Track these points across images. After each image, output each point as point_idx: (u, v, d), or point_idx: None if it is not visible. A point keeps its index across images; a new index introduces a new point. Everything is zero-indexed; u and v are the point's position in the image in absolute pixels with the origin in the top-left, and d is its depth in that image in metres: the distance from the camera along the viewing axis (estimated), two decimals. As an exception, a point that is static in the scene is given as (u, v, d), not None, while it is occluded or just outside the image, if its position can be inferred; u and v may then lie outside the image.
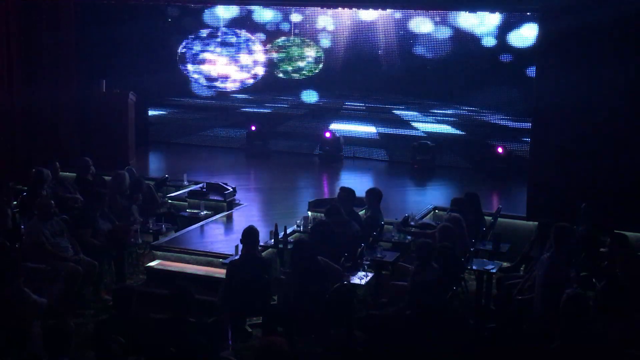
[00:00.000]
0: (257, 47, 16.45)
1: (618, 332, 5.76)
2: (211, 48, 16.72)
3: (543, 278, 6.92)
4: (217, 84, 16.92)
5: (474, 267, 8.40)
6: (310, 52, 16.14)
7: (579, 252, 8.00)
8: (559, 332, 5.55)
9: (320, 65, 16.10)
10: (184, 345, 5.80)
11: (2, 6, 13.16)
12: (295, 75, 16.38)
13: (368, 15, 15.13)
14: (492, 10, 13.40)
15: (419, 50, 15.26)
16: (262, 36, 16.37)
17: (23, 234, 9.03)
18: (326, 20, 15.75)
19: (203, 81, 16.96)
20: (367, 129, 15.99)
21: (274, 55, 16.42)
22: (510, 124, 14.98)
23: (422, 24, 15.11)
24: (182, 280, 8.57)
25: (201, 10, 16.41)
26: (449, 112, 15.59)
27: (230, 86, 16.87)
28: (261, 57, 16.47)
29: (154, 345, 5.84)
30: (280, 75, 16.48)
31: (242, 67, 16.68)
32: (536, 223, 8.99)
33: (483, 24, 14.61)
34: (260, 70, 16.57)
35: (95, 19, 14.88)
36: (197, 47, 16.79)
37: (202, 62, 16.71)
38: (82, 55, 14.26)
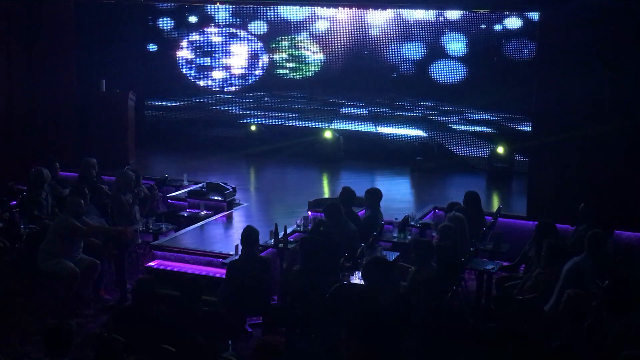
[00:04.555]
0: (258, 46, 16.43)
1: (622, 330, 5.74)
2: (211, 47, 16.70)
3: (564, 279, 6.97)
4: (217, 83, 16.90)
5: (474, 267, 8.40)
6: (311, 51, 16.13)
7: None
8: (561, 331, 5.55)
9: (321, 65, 16.09)
10: (185, 345, 5.78)
11: (2, 6, 13.15)
12: (296, 75, 16.37)
13: (369, 14, 15.14)
14: (493, 9, 13.37)
15: (419, 49, 15.27)
16: (262, 35, 16.36)
17: (22, 233, 9.02)
18: (326, 18, 15.76)
19: (202, 80, 16.93)
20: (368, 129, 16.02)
21: (274, 54, 16.42)
22: (510, 124, 14.98)
23: (423, 23, 15.12)
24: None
25: (201, 9, 16.40)
26: (449, 111, 15.59)
27: (230, 85, 16.84)
28: (261, 55, 16.45)
29: (155, 344, 5.83)
30: (281, 74, 16.47)
31: (242, 66, 16.66)
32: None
33: (487, 24, 14.61)
34: (260, 70, 16.55)
35: (95, 18, 14.86)
36: (196, 47, 16.77)
37: (202, 61, 16.68)
38: (82, 55, 14.24)
